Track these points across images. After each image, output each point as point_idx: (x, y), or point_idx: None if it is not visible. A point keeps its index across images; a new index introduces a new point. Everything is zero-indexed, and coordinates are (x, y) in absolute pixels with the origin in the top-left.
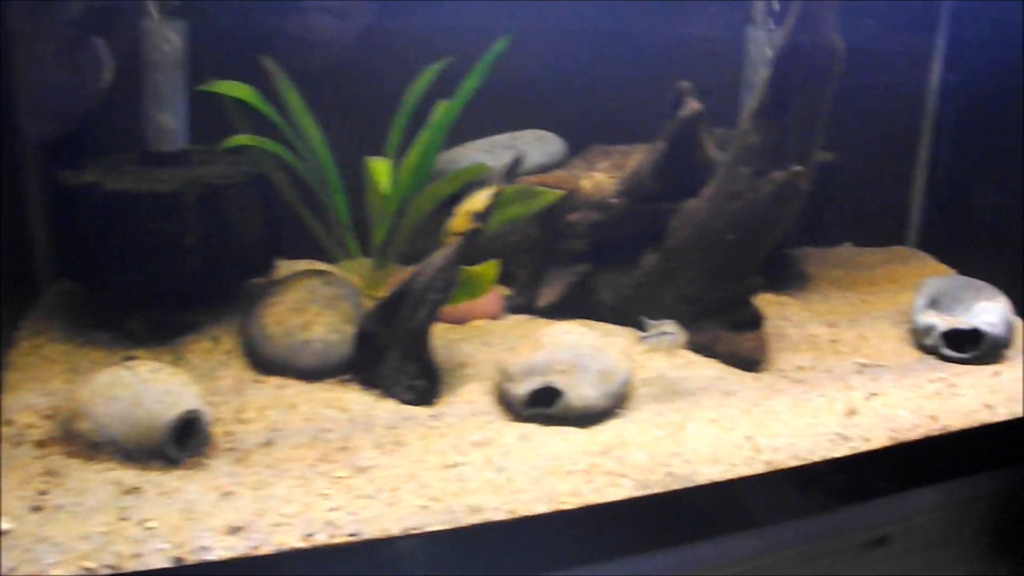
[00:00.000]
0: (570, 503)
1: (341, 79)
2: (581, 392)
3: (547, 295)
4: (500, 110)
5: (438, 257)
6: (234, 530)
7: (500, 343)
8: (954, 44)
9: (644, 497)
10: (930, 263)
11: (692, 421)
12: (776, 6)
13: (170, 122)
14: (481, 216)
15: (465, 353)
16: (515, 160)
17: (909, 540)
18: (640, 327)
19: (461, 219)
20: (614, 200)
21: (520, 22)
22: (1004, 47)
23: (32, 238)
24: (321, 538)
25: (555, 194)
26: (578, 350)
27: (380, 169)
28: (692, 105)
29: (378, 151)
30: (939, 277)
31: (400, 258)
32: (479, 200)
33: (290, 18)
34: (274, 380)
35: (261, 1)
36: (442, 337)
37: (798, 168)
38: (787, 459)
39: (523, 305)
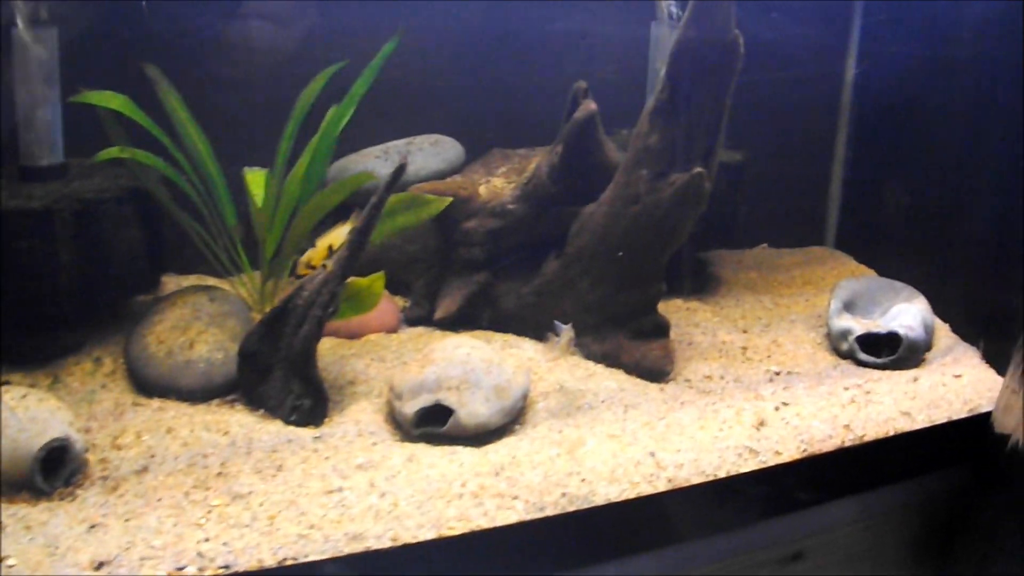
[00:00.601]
0: (457, 528)
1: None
2: (472, 409)
3: (445, 306)
4: (399, 114)
5: (321, 271)
6: (99, 565)
7: (394, 358)
8: (868, 38)
9: (537, 520)
10: (849, 264)
11: (592, 437)
12: (674, 7)
13: (43, 134)
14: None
15: (357, 369)
16: (398, 169)
17: (827, 554)
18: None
19: (319, 253)
20: (512, 206)
21: (420, 23)
22: (917, 40)
23: None
24: (191, 571)
25: (443, 202)
26: (469, 365)
27: (254, 181)
28: (587, 106)
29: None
30: (855, 279)
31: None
32: (339, 236)
33: (231, 25)
34: (156, 402)
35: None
36: (334, 352)
37: (699, 169)
38: (691, 476)
39: (421, 317)
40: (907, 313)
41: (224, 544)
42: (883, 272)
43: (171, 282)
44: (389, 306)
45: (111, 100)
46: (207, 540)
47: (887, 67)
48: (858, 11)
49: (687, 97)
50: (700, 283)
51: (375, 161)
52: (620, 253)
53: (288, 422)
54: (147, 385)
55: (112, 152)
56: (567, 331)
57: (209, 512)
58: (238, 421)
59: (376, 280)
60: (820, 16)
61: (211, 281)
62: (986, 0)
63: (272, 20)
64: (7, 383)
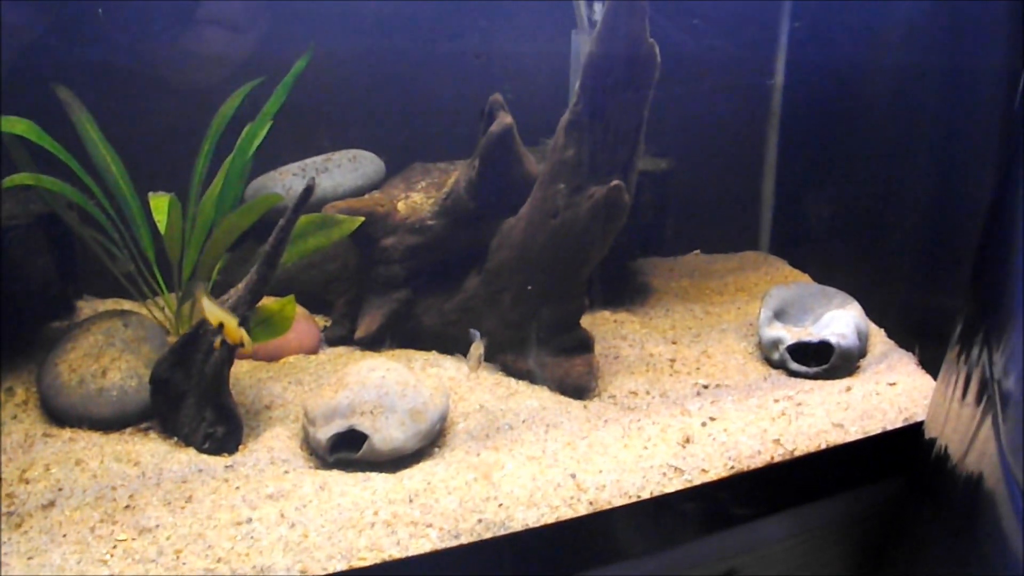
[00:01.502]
0: (368, 559)
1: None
2: (387, 434)
3: (366, 325)
4: (320, 131)
5: (231, 295)
6: None
7: (312, 380)
8: (795, 45)
9: (452, 548)
10: (783, 268)
11: (510, 459)
12: (596, 10)
13: None
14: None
15: (274, 393)
16: (305, 191)
17: (759, 571)
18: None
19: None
20: (431, 222)
21: (340, 38)
22: (845, 46)
23: None
24: None
25: (355, 221)
26: (384, 388)
27: (158, 206)
28: (503, 119)
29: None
30: (786, 286)
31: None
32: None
33: (185, 33)
34: (67, 433)
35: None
36: (251, 376)
37: (617, 182)
38: (613, 497)
39: (342, 337)
40: (840, 320)
41: None
42: (818, 276)
43: (88, 307)
44: (309, 327)
45: (14, 125)
46: None
47: (817, 72)
48: (786, 18)
49: (602, 109)
50: (630, 293)
51: (292, 179)
52: (529, 288)
53: (201, 450)
54: (59, 415)
55: (18, 179)
56: (477, 345)
57: (115, 547)
58: (150, 451)
59: (287, 304)
60: (749, 23)
61: (128, 305)
62: (912, 2)
63: (229, 27)
64: None
